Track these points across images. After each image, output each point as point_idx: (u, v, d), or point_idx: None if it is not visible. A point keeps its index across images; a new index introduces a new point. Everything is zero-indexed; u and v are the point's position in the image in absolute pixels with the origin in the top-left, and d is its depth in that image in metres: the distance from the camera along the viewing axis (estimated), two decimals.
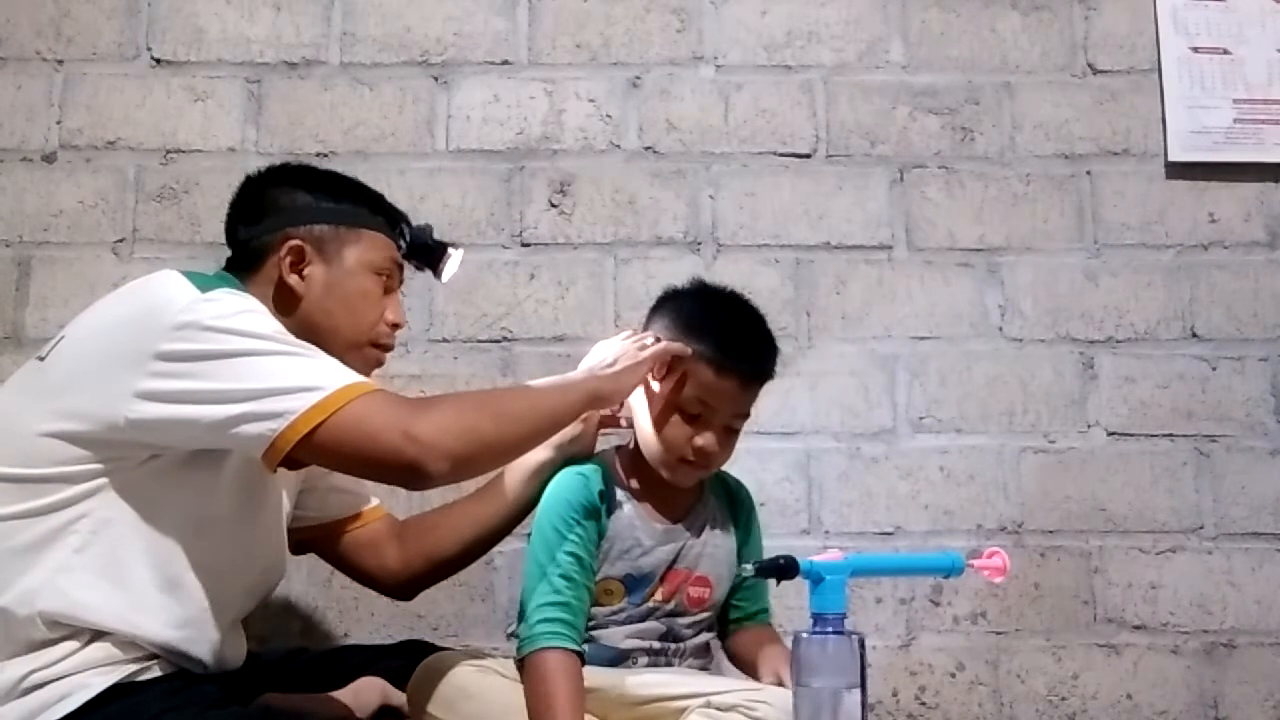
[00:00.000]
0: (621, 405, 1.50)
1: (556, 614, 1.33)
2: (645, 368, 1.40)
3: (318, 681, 1.43)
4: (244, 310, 1.24)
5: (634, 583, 1.42)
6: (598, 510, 1.41)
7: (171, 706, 1.19)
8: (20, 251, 1.90)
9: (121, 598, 1.20)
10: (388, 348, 1.44)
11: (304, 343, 1.26)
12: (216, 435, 1.19)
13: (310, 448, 1.18)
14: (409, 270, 1.54)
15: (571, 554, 1.37)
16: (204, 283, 1.26)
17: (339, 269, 1.37)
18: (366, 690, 1.42)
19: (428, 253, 1.51)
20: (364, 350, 1.39)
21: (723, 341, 1.42)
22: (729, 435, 1.44)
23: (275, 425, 1.17)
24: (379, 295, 1.41)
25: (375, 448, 1.19)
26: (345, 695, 1.41)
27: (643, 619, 1.42)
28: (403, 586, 1.56)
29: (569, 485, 1.42)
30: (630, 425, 1.50)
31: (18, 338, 1.87)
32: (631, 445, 1.50)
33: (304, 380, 1.20)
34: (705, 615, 1.46)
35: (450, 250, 1.53)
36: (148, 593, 1.22)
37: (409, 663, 1.39)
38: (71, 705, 1.15)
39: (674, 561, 1.43)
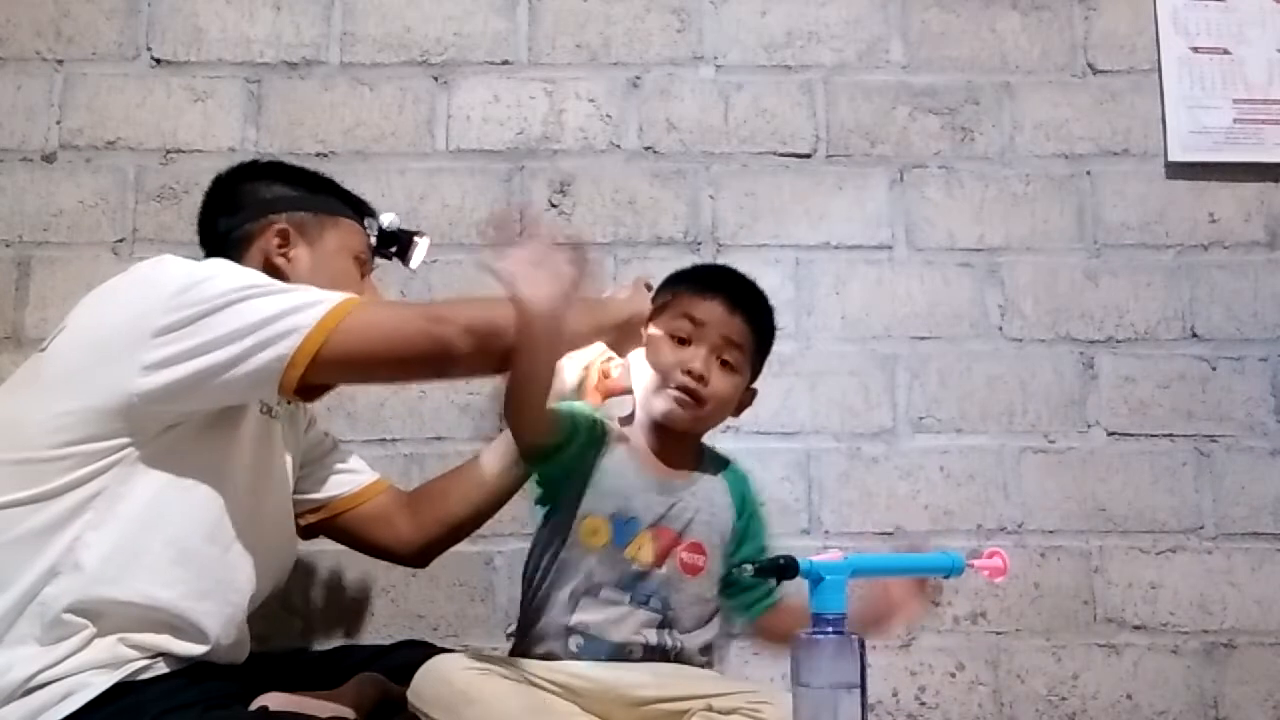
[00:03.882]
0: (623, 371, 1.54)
1: None
2: (566, 283, 1.25)
3: (318, 681, 1.42)
4: (234, 269, 1.28)
5: (621, 525, 1.40)
6: (578, 430, 1.41)
7: (173, 706, 1.19)
8: (20, 251, 1.90)
9: (137, 569, 1.22)
10: None
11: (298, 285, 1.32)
12: (230, 379, 1.21)
13: (328, 359, 1.21)
14: (407, 273, 1.58)
15: None
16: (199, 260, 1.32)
17: (321, 251, 1.43)
18: (367, 685, 1.43)
19: (396, 241, 1.56)
20: None
21: (706, 274, 1.52)
22: (722, 367, 1.44)
23: (290, 343, 1.20)
24: (357, 279, 1.46)
25: (400, 335, 1.25)
26: (346, 691, 1.41)
27: (635, 582, 1.39)
28: (419, 554, 1.60)
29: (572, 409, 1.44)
30: (630, 391, 1.51)
31: (18, 338, 1.87)
32: (631, 411, 1.51)
33: (306, 300, 1.24)
34: (700, 584, 1.44)
35: (417, 239, 1.57)
36: (163, 565, 1.24)
37: (409, 662, 1.39)
38: (74, 704, 1.15)
39: (665, 516, 1.43)
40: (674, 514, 1.44)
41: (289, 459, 1.45)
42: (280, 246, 1.41)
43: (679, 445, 1.48)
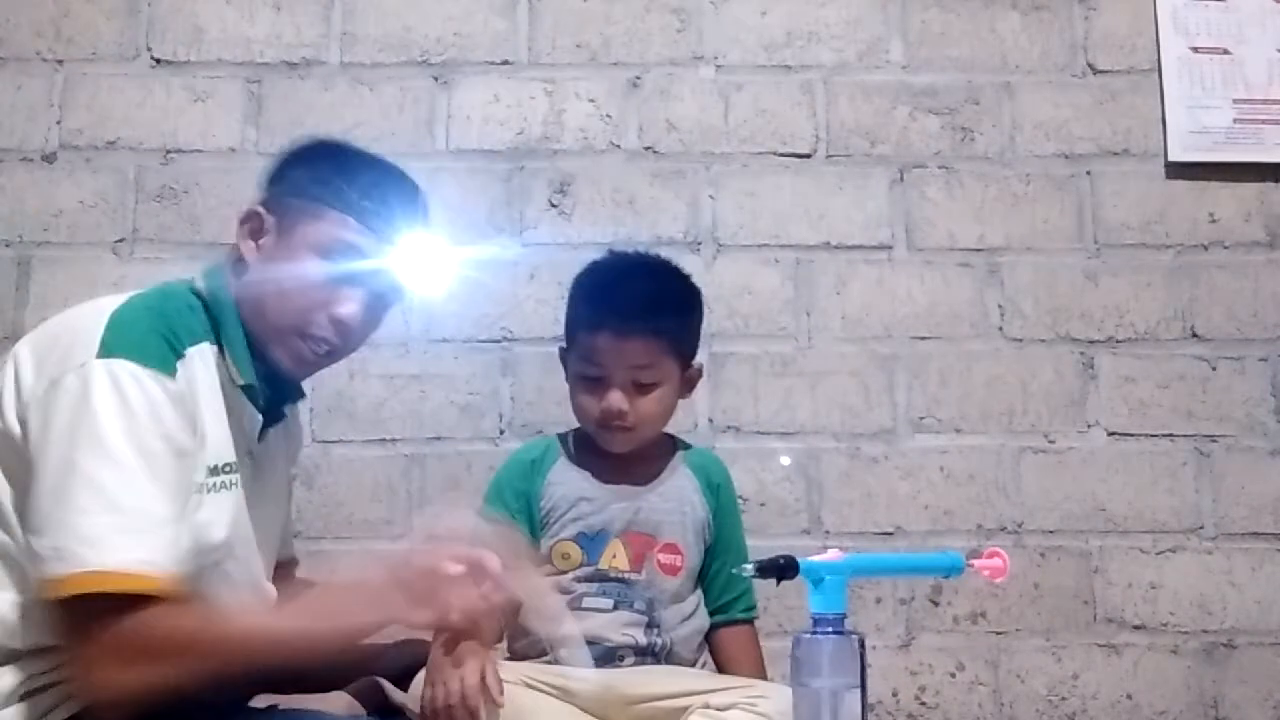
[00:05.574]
0: None
1: None
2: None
3: (318, 682, 1.42)
4: (118, 406, 1.11)
5: (589, 542, 1.44)
6: (525, 487, 1.46)
7: (171, 711, 1.18)
8: (20, 251, 1.90)
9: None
10: (322, 342, 1.28)
11: (152, 484, 1.10)
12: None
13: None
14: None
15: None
16: (124, 337, 1.15)
17: (285, 244, 1.27)
18: (368, 689, 1.42)
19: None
20: (289, 341, 1.27)
21: (593, 302, 1.48)
22: (640, 392, 1.44)
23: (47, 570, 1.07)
24: (322, 281, 1.27)
25: (76, 652, 1.09)
26: (347, 695, 1.41)
27: (617, 589, 1.42)
28: None
29: (504, 467, 1.52)
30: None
31: (17, 338, 1.85)
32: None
33: (82, 543, 1.06)
34: (680, 582, 1.46)
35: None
36: None
37: (409, 662, 1.39)
38: (69, 710, 1.15)
39: (634, 520, 1.45)
40: (643, 518, 1.46)
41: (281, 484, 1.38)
42: (252, 232, 1.29)
43: (638, 450, 1.49)
